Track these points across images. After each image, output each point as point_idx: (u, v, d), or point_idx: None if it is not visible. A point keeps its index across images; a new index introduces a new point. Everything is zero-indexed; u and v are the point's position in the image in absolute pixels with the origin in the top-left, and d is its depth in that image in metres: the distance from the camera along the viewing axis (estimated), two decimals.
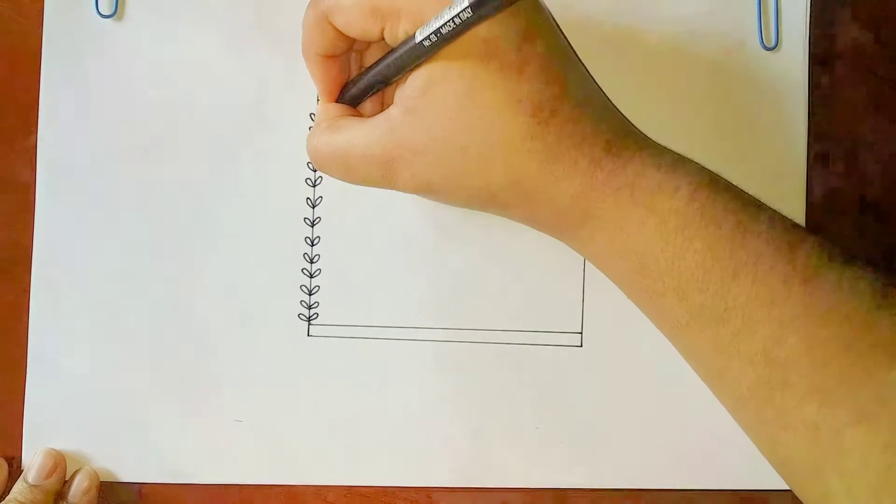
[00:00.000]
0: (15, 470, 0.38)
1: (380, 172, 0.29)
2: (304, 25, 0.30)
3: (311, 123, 0.39)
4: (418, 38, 0.27)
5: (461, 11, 0.26)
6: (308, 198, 0.39)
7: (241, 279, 0.39)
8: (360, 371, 0.39)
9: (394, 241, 0.39)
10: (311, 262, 0.39)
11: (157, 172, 0.39)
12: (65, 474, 0.38)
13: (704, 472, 0.40)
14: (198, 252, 0.39)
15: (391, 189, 0.30)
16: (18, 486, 0.37)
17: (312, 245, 0.39)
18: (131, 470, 0.38)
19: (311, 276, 0.39)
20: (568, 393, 0.40)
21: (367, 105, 0.33)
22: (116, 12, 0.39)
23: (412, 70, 0.28)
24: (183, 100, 0.39)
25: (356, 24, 0.28)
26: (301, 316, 0.39)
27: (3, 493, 0.37)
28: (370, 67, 0.31)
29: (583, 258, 0.40)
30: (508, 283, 0.40)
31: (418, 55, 0.28)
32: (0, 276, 0.39)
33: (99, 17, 0.39)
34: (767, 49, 0.40)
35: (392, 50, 0.29)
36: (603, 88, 0.32)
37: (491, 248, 0.40)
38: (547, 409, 0.39)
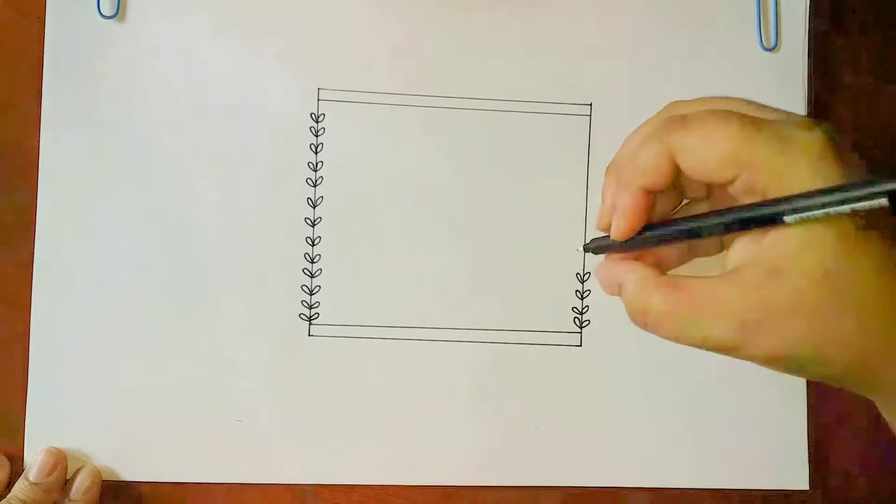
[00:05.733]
0: (16, 468, 0.38)
1: (731, 334, 0.26)
2: (640, 154, 0.27)
3: (312, 124, 0.39)
4: (789, 220, 0.25)
5: (864, 201, 0.23)
6: (309, 198, 0.39)
7: (241, 279, 0.39)
8: (361, 371, 0.39)
9: (394, 242, 0.40)
10: (312, 262, 0.39)
11: (158, 171, 0.39)
12: (66, 472, 0.38)
13: (701, 471, 0.40)
14: (199, 252, 0.39)
15: (734, 356, 0.27)
16: (20, 485, 0.37)
17: (313, 245, 0.39)
18: (132, 469, 0.38)
19: (312, 276, 0.39)
20: (567, 393, 0.40)
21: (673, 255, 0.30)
22: (118, 13, 0.39)
23: (766, 228, 0.26)
24: (184, 99, 0.39)
25: (706, 170, 0.26)
26: (302, 316, 0.39)
27: (5, 492, 0.37)
28: (696, 217, 0.28)
29: (582, 258, 0.40)
30: (508, 283, 0.40)
31: (777, 223, 0.25)
32: (3, 277, 0.39)
33: (101, 17, 0.39)
34: (767, 49, 0.40)
35: (736, 207, 0.26)
36: None
37: (491, 248, 0.40)
38: (546, 409, 0.39)
